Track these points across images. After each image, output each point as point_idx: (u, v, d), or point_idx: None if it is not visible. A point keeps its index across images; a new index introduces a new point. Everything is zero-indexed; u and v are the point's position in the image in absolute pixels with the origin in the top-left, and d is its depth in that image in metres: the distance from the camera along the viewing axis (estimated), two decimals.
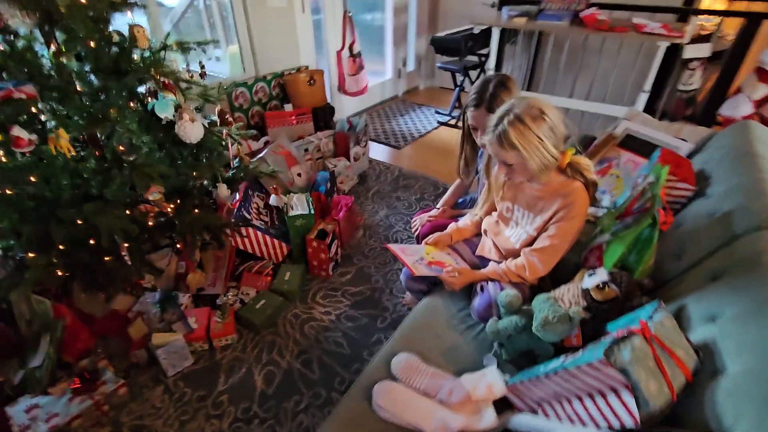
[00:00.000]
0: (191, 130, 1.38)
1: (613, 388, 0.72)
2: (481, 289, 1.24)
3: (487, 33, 3.33)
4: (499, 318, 1.09)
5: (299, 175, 2.40)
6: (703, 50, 2.52)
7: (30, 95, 1.08)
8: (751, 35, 2.41)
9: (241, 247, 1.92)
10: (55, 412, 1.29)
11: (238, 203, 1.92)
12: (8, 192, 1.18)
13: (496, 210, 1.36)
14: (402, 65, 4.30)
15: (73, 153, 1.23)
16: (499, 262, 1.27)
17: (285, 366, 1.56)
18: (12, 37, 1.23)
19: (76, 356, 1.52)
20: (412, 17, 4.14)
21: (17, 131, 1.07)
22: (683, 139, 1.69)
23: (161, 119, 1.37)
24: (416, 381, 1.00)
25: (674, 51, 2.66)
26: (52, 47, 1.27)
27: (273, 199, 1.99)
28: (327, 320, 1.75)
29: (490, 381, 0.94)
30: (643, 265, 1.02)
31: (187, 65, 1.56)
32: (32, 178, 1.19)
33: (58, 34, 1.27)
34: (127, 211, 1.37)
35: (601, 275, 0.96)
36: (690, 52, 2.54)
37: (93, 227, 1.30)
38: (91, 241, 1.34)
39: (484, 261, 1.35)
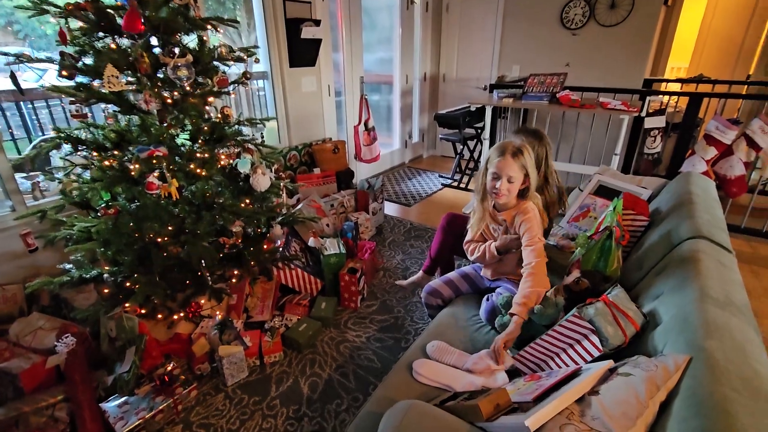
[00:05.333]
0: (262, 181, 1.81)
1: (584, 335, 1.05)
2: (487, 299, 1.57)
3: (481, 110, 3.98)
4: (503, 315, 1.42)
5: (327, 225, 2.81)
6: (660, 121, 3.08)
7: (164, 154, 1.51)
8: (696, 110, 2.98)
9: (284, 281, 2.26)
10: (142, 407, 1.56)
11: (282, 245, 2.30)
12: (131, 225, 1.58)
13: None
14: (408, 137, 4.95)
15: (179, 197, 1.65)
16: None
17: (326, 377, 1.83)
18: (142, 114, 1.71)
19: (148, 369, 1.80)
20: (416, 98, 4.87)
21: (152, 178, 1.49)
22: (644, 187, 2.13)
23: (240, 173, 1.81)
24: (446, 358, 1.31)
25: (638, 122, 3.23)
26: (165, 123, 1.74)
27: (311, 241, 2.37)
28: (358, 341, 2.04)
29: None
30: (609, 267, 1.38)
31: (252, 135, 2.05)
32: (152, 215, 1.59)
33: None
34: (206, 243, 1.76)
35: (575, 274, 1.32)
36: (649, 123, 3.09)
37: (179, 258, 1.67)
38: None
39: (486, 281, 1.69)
